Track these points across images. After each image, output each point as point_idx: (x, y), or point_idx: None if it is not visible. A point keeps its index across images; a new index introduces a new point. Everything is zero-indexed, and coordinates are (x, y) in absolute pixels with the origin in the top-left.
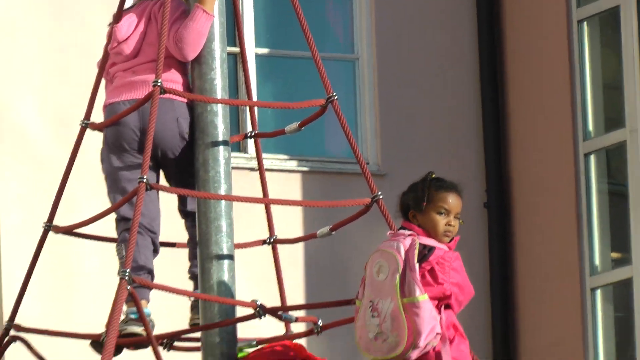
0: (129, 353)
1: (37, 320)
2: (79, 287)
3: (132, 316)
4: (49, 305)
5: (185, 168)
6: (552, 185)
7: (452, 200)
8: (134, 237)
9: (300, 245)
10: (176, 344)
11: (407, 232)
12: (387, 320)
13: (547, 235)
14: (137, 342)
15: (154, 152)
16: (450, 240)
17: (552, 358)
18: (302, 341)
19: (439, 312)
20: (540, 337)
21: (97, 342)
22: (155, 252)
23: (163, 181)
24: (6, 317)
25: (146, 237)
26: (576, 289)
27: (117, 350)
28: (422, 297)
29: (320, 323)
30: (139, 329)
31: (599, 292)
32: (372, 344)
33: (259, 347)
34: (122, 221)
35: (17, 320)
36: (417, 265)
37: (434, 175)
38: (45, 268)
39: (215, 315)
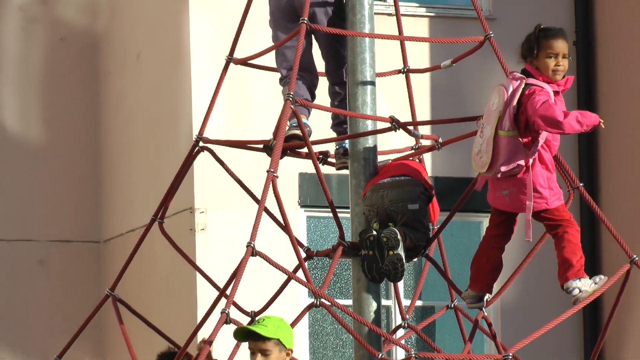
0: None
1: (220, 135)
2: (253, 108)
3: (294, 124)
4: (229, 122)
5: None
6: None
7: (558, 44)
8: (296, 63)
9: (427, 75)
10: (329, 160)
11: (518, 74)
12: (484, 143)
13: (630, 69)
14: (296, 146)
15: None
16: (562, 78)
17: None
18: (427, 155)
19: (530, 142)
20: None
21: (267, 147)
22: (312, 96)
23: None
24: (196, 132)
25: (304, 81)
26: None
27: (282, 154)
28: (511, 132)
29: (440, 140)
30: (297, 131)
31: None
32: (475, 158)
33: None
34: (284, 79)
35: (204, 135)
36: (515, 105)
37: (542, 27)
38: (226, 93)
39: (359, 129)
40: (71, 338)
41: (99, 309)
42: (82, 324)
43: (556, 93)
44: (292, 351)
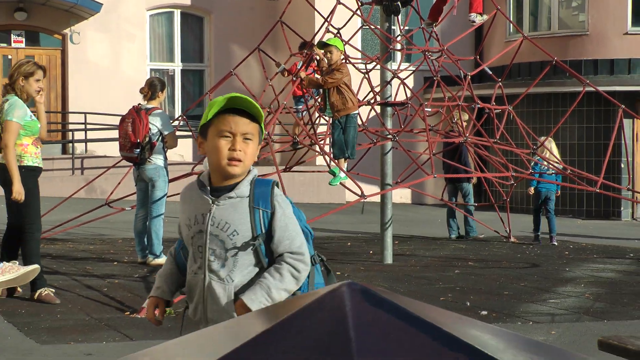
0: None
1: None
2: None
3: None
4: None
5: None
6: None
7: None
8: None
9: None
10: None
11: None
12: None
13: None
14: None
15: None
16: None
17: None
18: None
19: None
20: None
21: None
22: None
23: None
24: None
25: None
26: None
27: None
28: None
29: None
30: None
31: None
32: None
33: None
34: None
35: None
36: None
37: None
38: None
39: None
40: (263, 36)
41: (274, 27)
42: (264, 36)
43: None
44: (343, 52)
